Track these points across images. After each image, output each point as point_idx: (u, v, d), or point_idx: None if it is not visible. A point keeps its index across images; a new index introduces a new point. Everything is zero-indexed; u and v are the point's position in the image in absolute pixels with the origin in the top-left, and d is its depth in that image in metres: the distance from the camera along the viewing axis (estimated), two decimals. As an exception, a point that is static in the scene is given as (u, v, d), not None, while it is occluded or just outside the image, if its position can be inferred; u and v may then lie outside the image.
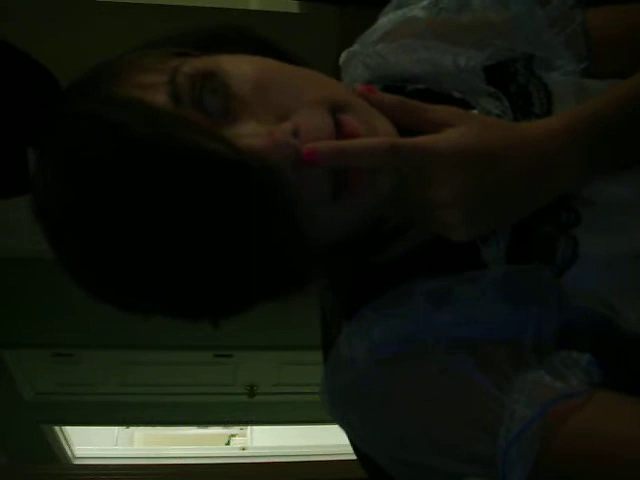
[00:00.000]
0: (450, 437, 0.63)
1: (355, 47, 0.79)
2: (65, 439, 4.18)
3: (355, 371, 0.66)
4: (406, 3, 0.82)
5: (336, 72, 0.78)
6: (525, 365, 0.62)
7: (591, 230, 0.67)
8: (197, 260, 0.58)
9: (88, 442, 4.25)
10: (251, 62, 0.63)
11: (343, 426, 0.69)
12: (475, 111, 0.71)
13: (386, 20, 0.81)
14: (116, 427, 4.29)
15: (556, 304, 0.64)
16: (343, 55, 0.79)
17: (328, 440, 3.51)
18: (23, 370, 3.63)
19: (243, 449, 4.40)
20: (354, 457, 0.79)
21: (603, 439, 0.59)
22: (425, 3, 0.80)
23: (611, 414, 0.59)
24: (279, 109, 0.60)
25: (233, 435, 4.50)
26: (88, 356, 3.62)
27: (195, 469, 2.91)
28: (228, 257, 0.58)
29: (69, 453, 4.21)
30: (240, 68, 0.62)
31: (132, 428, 4.39)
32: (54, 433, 4.09)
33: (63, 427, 4.13)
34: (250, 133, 0.58)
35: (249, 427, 4.40)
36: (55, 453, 4.10)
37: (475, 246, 0.67)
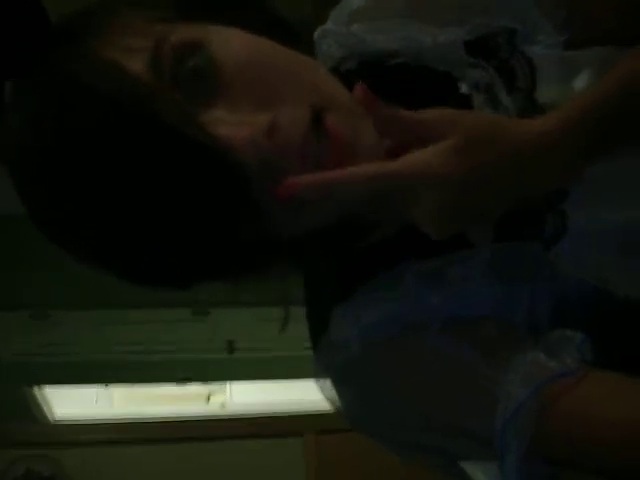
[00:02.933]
0: (445, 417, 0.64)
1: (328, 25, 0.77)
2: (44, 400, 4.16)
3: (348, 353, 0.67)
4: None
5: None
6: (518, 343, 0.62)
7: (580, 204, 0.67)
8: (150, 228, 0.58)
9: (67, 403, 4.24)
10: (243, 41, 0.61)
11: (337, 405, 0.70)
12: (463, 85, 0.70)
13: None
14: (95, 387, 4.28)
15: (547, 279, 0.65)
16: (317, 32, 0.77)
17: (307, 395, 3.53)
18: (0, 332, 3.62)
19: (222, 406, 4.41)
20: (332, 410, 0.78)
21: (597, 418, 0.59)
22: None
23: (605, 394, 0.60)
24: (261, 98, 0.58)
25: (212, 392, 4.51)
26: (65, 316, 3.61)
27: (176, 425, 2.91)
28: (185, 231, 0.58)
29: (48, 414, 4.19)
30: (230, 46, 0.60)
31: (111, 389, 4.38)
32: (33, 394, 4.08)
33: (42, 388, 4.11)
34: (224, 121, 0.57)
35: (228, 384, 4.41)
36: (34, 414, 4.08)
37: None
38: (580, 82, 0.70)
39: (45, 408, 4.15)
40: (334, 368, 0.69)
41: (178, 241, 0.59)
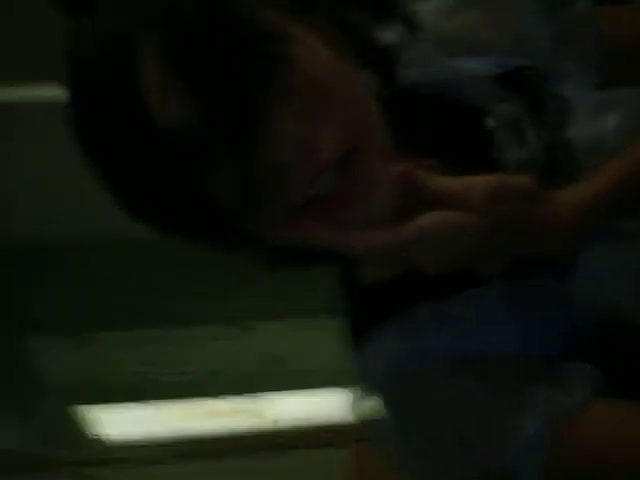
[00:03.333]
0: (460, 452, 0.65)
1: None
2: (92, 422, 4.20)
3: (373, 388, 0.70)
4: None
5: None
6: (531, 377, 0.63)
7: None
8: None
9: (117, 423, 4.27)
10: (323, 60, 0.60)
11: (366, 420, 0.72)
12: (489, 119, 0.70)
13: None
14: (144, 407, 4.32)
15: (559, 312, 0.66)
16: None
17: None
18: (46, 355, 3.66)
19: (270, 419, 4.43)
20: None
21: (608, 449, 0.61)
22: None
23: (615, 424, 0.61)
24: (316, 115, 0.58)
25: (262, 407, 4.54)
26: (112, 337, 3.65)
27: (223, 439, 2.91)
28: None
29: (97, 434, 4.23)
30: (311, 54, 0.60)
31: (162, 406, 4.43)
32: (81, 416, 4.13)
33: (89, 410, 4.16)
34: (289, 133, 0.57)
35: (277, 397, 4.43)
36: (85, 436, 4.12)
37: None
38: (612, 121, 0.71)
39: (94, 428, 4.19)
40: (369, 393, 0.72)
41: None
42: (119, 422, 4.25)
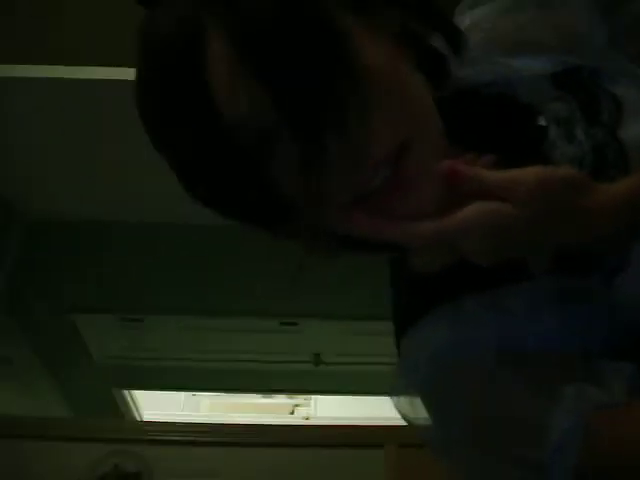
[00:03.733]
0: (498, 442, 0.66)
1: None
2: (134, 403, 4.27)
3: (417, 376, 0.70)
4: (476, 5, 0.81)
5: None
6: (570, 374, 0.63)
7: None
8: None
9: (156, 407, 4.33)
10: (387, 60, 0.63)
11: (412, 421, 0.73)
12: (542, 117, 0.72)
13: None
14: (183, 393, 4.36)
15: (604, 312, 0.65)
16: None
17: (390, 412, 3.50)
18: (94, 334, 3.72)
19: (307, 418, 4.43)
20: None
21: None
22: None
23: None
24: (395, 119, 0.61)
25: (297, 405, 4.54)
26: (156, 321, 3.68)
27: (258, 430, 2.93)
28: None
29: (137, 417, 4.29)
30: (376, 63, 0.61)
31: (198, 395, 4.47)
32: (123, 397, 4.19)
33: (132, 391, 4.22)
34: (380, 137, 0.60)
35: (313, 397, 4.43)
36: (124, 416, 4.19)
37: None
38: None
39: (134, 411, 4.26)
40: (409, 388, 0.72)
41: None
42: (159, 406, 4.31)
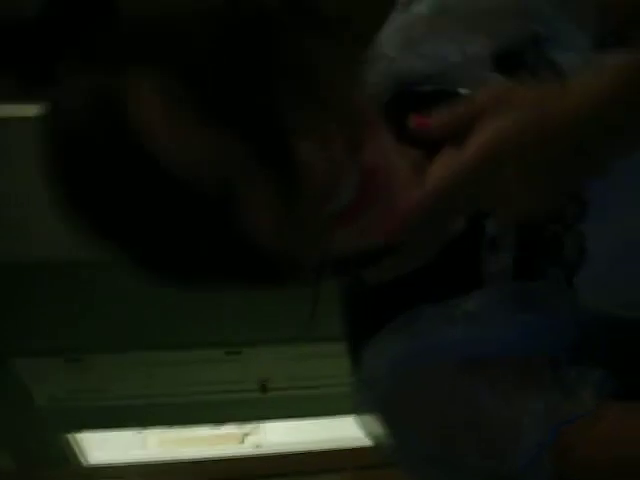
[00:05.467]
0: (464, 456, 0.64)
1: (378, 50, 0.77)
2: (78, 444, 4.16)
3: (377, 390, 0.68)
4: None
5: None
6: (537, 382, 0.62)
7: (600, 220, 0.65)
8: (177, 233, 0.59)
9: (101, 447, 4.23)
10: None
11: (375, 439, 0.71)
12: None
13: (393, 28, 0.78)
14: (129, 432, 4.28)
15: (568, 313, 0.64)
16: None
17: (343, 432, 3.50)
18: (34, 377, 3.63)
19: (258, 446, 4.38)
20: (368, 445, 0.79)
21: (616, 455, 0.59)
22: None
23: (624, 428, 0.60)
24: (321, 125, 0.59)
25: (247, 434, 4.49)
26: (97, 360, 3.60)
27: (210, 465, 2.89)
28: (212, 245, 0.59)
29: (82, 459, 4.19)
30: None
31: (145, 432, 4.38)
32: (67, 439, 4.08)
33: (76, 433, 4.12)
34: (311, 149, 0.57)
35: (263, 424, 4.38)
36: (68, 459, 4.08)
37: (479, 259, 0.67)
38: None
39: (79, 452, 4.15)
40: (366, 403, 0.71)
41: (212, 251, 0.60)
42: (104, 446, 4.22)
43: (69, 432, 4.04)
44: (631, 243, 0.66)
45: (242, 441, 4.49)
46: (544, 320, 0.64)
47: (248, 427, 4.43)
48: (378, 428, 0.70)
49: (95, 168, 0.58)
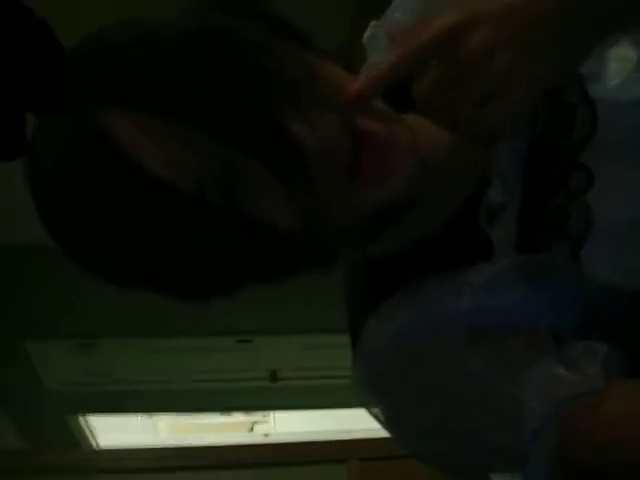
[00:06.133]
0: (468, 430, 0.63)
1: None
2: (89, 429, 4.20)
3: (378, 363, 0.67)
4: None
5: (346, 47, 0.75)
6: (542, 355, 0.61)
7: (606, 191, 0.65)
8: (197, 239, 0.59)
9: (111, 431, 4.27)
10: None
11: (373, 414, 0.69)
12: None
13: None
14: (139, 417, 4.31)
15: (574, 286, 0.63)
16: (367, 32, 0.77)
17: (352, 424, 3.51)
18: (46, 360, 3.66)
19: (266, 435, 4.40)
20: (377, 436, 0.78)
21: (622, 432, 0.58)
22: None
23: (630, 406, 0.59)
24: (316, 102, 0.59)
25: (256, 422, 4.51)
26: (109, 344, 3.63)
27: (217, 451, 2.90)
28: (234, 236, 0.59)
29: (92, 442, 4.23)
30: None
31: (155, 417, 4.41)
32: (78, 423, 4.12)
33: (87, 416, 4.15)
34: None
35: (272, 413, 4.40)
36: (79, 443, 4.12)
37: (483, 233, 0.66)
38: None
39: (89, 436, 4.19)
40: (367, 377, 0.69)
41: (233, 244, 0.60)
42: (115, 430, 4.25)
43: (80, 415, 4.07)
44: (638, 215, 0.65)
45: (251, 429, 4.51)
46: (549, 293, 0.63)
47: (257, 416, 4.45)
48: (377, 402, 0.69)
49: (99, 197, 0.58)
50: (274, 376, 3.86)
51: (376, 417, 0.70)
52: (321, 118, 0.58)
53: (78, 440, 4.11)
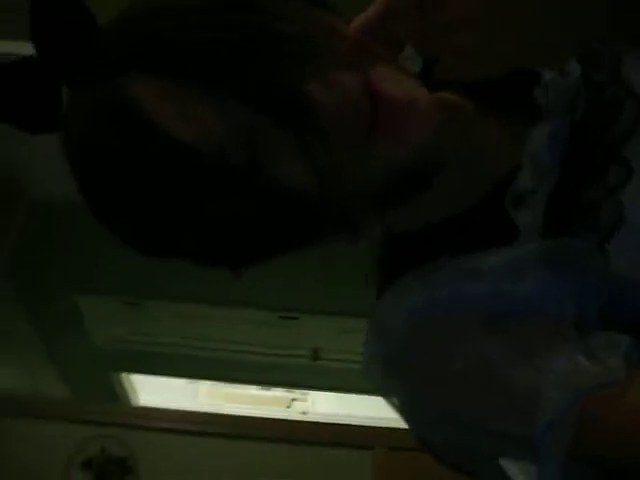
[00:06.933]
0: (483, 415, 0.61)
1: None
2: (131, 387, 4.28)
3: (390, 340, 0.65)
4: None
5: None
6: (563, 343, 0.59)
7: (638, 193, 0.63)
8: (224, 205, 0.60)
9: (152, 391, 4.34)
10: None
11: (383, 394, 0.68)
12: None
13: None
14: (181, 380, 4.37)
15: (598, 277, 0.61)
16: None
17: (385, 411, 3.50)
18: (95, 316, 3.74)
19: (304, 413, 4.42)
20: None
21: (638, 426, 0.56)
22: None
23: None
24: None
25: (294, 399, 4.54)
26: (156, 306, 3.70)
27: (249, 423, 2.93)
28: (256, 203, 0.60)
29: (133, 399, 4.31)
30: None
31: (197, 382, 4.47)
32: (121, 380, 4.20)
33: (130, 375, 4.23)
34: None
35: (311, 392, 4.42)
36: (119, 398, 4.20)
37: (508, 216, 0.64)
38: None
39: (131, 393, 4.27)
40: (379, 354, 0.67)
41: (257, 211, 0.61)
42: (156, 391, 4.32)
43: (123, 373, 4.15)
44: None
45: (289, 406, 4.54)
46: (573, 281, 0.61)
47: (296, 393, 4.47)
48: (389, 382, 0.67)
49: (124, 162, 0.60)
50: (315, 355, 3.87)
51: (391, 402, 0.67)
52: (338, 78, 0.58)
53: (119, 397, 4.20)
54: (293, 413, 4.44)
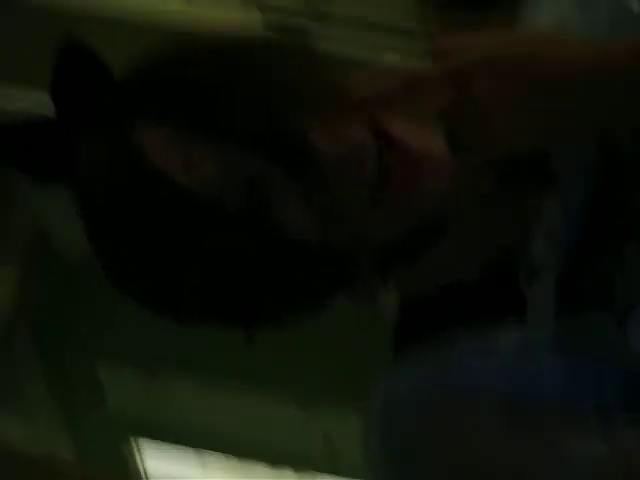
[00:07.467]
0: None
1: None
2: (139, 454, 4.24)
3: (394, 417, 0.62)
4: None
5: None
6: (582, 429, 0.57)
7: None
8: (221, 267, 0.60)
9: (162, 462, 4.30)
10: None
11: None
12: None
13: None
14: (191, 450, 4.33)
15: (618, 358, 0.58)
16: None
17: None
18: (112, 382, 3.74)
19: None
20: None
21: None
22: None
23: None
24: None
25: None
26: (173, 377, 3.68)
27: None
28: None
29: (141, 469, 4.26)
30: None
31: (204, 455, 4.43)
32: (130, 447, 4.17)
33: (140, 443, 4.20)
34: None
35: (321, 477, 4.35)
36: (127, 466, 4.16)
37: (519, 289, 0.62)
38: None
39: (139, 463, 4.22)
40: (381, 432, 0.63)
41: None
42: (165, 462, 4.28)
43: (132, 439, 4.12)
44: None
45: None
46: (590, 365, 0.59)
47: (306, 478, 4.40)
48: (389, 463, 0.62)
49: (130, 207, 0.61)
50: (329, 441, 3.81)
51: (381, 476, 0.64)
52: (343, 127, 0.58)
53: (127, 463, 4.16)
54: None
